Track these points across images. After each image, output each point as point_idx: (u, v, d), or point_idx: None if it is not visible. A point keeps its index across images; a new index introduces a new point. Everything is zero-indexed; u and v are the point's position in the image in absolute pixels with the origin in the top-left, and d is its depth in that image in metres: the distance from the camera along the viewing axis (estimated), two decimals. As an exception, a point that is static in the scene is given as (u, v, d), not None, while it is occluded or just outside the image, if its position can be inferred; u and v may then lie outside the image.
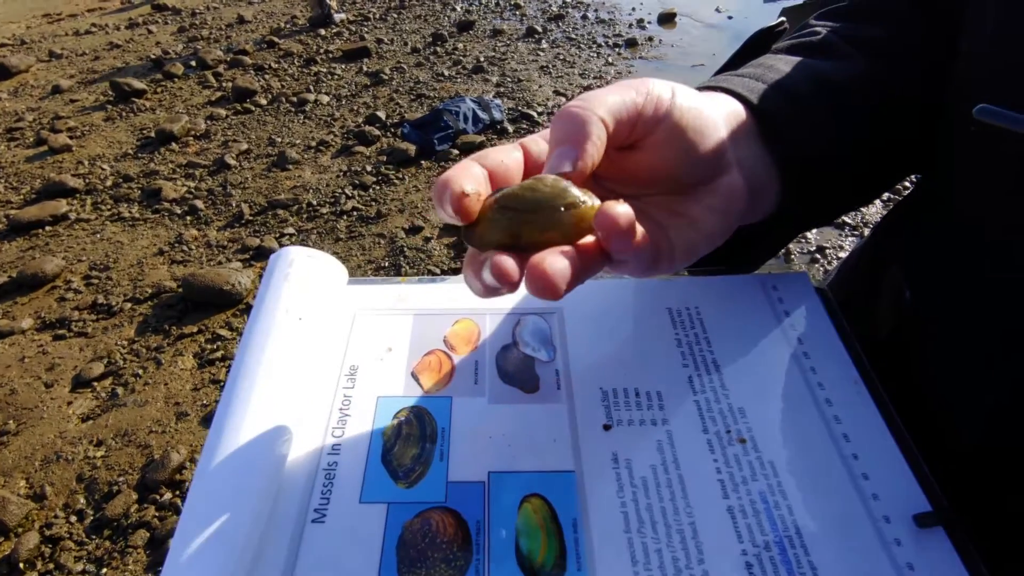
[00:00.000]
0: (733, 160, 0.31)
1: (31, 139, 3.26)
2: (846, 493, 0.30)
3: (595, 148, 0.26)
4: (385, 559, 0.28)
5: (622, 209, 0.24)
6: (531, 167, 0.30)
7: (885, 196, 2.18)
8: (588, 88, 3.42)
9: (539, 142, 0.30)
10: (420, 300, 0.41)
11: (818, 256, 2.23)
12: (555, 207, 0.25)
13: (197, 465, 0.30)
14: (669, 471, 0.31)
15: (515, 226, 0.25)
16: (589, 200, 0.25)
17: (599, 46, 4.02)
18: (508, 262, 0.24)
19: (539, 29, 4.27)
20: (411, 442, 0.33)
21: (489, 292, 0.26)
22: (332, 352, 0.38)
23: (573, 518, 0.30)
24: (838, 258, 2.21)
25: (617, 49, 3.98)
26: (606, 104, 0.27)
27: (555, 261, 0.24)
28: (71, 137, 3.23)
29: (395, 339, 0.39)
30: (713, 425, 0.33)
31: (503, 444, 0.33)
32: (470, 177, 0.26)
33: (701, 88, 0.35)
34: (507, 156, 0.29)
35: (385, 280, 0.43)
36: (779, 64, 0.36)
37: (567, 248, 0.25)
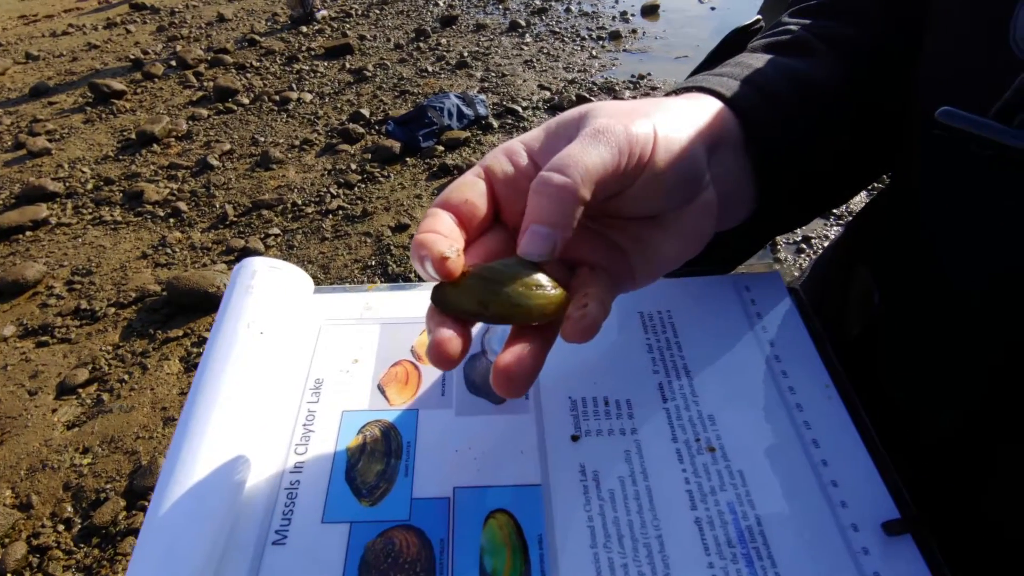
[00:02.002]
0: (709, 182, 0.30)
1: (9, 143, 3.21)
2: (815, 501, 0.30)
3: (569, 231, 0.26)
4: (347, 581, 0.28)
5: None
6: (498, 193, 0.29)
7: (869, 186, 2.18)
8: (572, 82, 3.41)
9: (504, 163, 0.29)
10: (387, 309, 0.41)
11: (804, 247, 2.23)
12: (528, 286, 0.26)
13: (155, 488, 0.30)
14: (637, 483, 0.31)
15: (486, 296, 0.26)
16: (556, 290, 0.27)
17: (583, 39, 4.01)
18: (452, 343, 0.25)
19: (522, 23, 4.25)
20: (376, 458, 0.32)
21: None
22: (296, 366, 0.37)
23: (539, 533, 0.29)
24: (824, 248, 2.22)
25: (601, 42, 3.97)
26: (587, 170, 0.25)
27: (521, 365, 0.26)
28: (50, 140, 3.17)
29: (361, 350, 0.38)
30: (683, 434, 0.33)
31: (469, 458, 0.32)
32: (446, 237, 0.26)
33: (679, 90, 0.35)
34: (472, 192, 0.28)
35: (352, 288, 0.42)
36: (755, 62, 0.35)
37: (533, 349, 0.26)
